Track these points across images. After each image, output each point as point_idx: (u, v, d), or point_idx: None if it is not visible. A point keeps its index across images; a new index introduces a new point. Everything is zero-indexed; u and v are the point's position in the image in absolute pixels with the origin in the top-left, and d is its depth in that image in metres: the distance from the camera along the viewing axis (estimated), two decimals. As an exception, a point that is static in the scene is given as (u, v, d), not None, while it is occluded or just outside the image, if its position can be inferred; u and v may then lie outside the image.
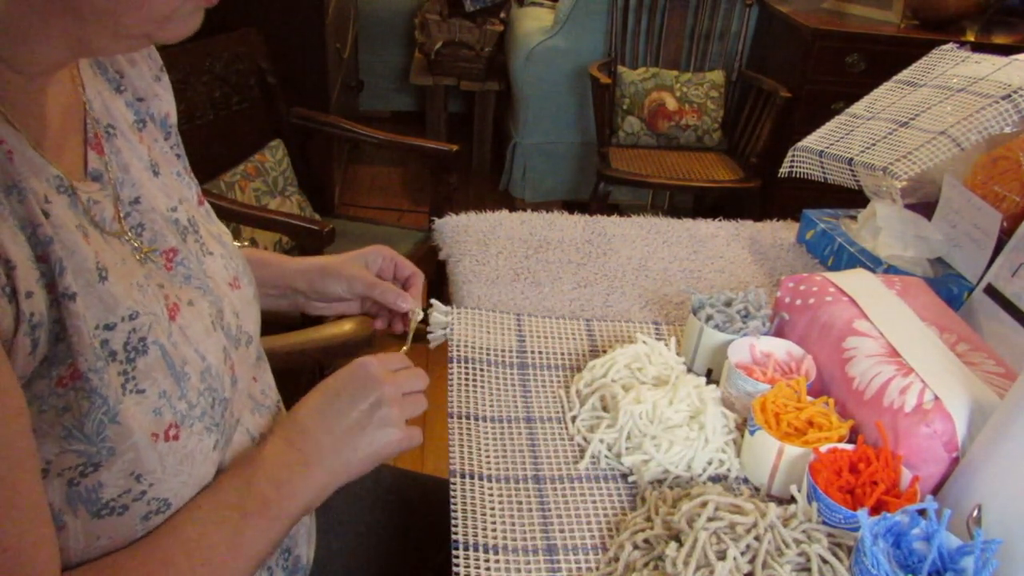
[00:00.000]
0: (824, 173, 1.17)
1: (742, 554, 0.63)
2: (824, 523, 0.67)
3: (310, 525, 0.78)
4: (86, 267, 0.51)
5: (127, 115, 0.64)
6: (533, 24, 2.98)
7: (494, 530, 0.70)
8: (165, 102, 0.70)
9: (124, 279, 0.55)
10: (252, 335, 0.71)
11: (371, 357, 0.71)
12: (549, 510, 0.73)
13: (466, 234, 1.18)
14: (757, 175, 2.60)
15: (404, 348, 0.85)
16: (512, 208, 1.29)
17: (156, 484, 0.54)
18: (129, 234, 0.59)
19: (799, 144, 1.21)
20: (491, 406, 0.85)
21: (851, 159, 1.10)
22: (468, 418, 0.83)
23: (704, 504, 0.67)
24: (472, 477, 0.75)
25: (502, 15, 3.23)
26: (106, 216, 0.57)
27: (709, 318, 0.88)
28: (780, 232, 1.29)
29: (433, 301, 0.96)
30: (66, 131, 0.57)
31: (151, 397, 0.54)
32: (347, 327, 1.27)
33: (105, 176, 0.59)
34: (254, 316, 0.72)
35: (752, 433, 0.76)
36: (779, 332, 0.90)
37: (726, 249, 1.23)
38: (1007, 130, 0.98)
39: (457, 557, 0.67)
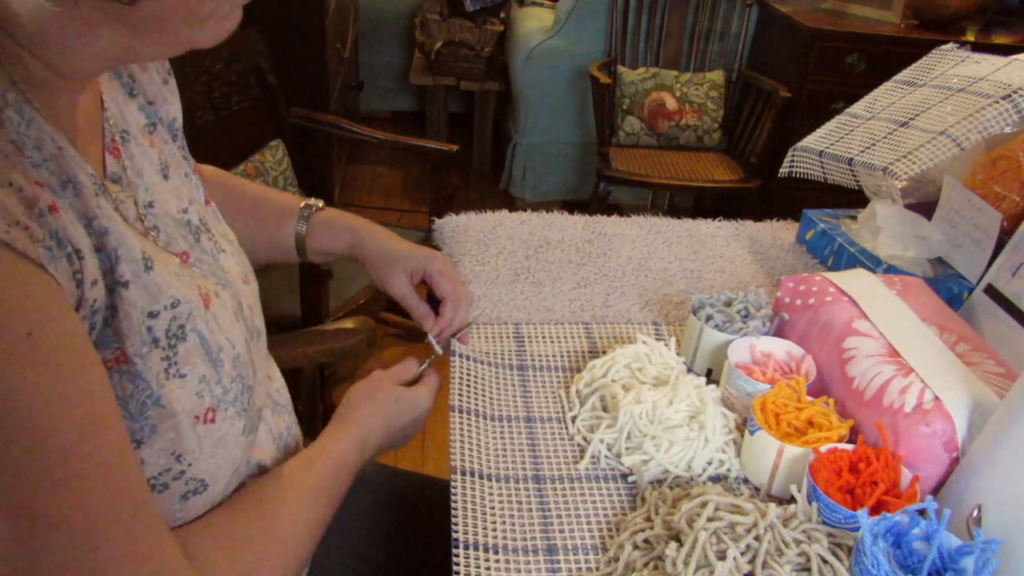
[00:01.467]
0: (824, 173, 1.17)
1: (742, 554, 0.63)
2: (824, 523, 0.67)
3: None
4: (134, 257, 0.53)
5: (139, 119, 0.65)
6: (533, 24, 2.98)
7: (494, 530, 0.70)
8: (173, 106, 0.71)
9: (165, 268, 0.57)
10: (261, 330, 0.74)
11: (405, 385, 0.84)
12: (549, 510, 0.73)
13: (466, 234, 1.18)
14: (757, 175, 2.60)
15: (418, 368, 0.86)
16: (512, 208, 1.28)
17: (194, 464, 0.57)
18: (152, 234, 0.61)
19: (799, 144, 1.21)
20: (491, 405, 0.85)
21: (851, 159, 1.10)
22: (469, 413, 0.83)
23: (704, 504, 0.67)
24: (473, 475, 0.75)
25: (502, 15, 3.23)
26: (130, 215, 0.59)
27: (709, 318, 0.88)
28: (780, 232, 1.29)
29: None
30: (90, 135, 0.58)
31: (192, 381, 0.56)
32: (348, 327, 1.27)
33: (124, 179, 0.60)
34: (261, 313, 0.75)
35: (752, 433, 0.76)
36: (779, 332, 0.90)
37: (726, 249, 1.23)
38: (1007, 130, 0.98)
39: (457, 557, 0.67)
